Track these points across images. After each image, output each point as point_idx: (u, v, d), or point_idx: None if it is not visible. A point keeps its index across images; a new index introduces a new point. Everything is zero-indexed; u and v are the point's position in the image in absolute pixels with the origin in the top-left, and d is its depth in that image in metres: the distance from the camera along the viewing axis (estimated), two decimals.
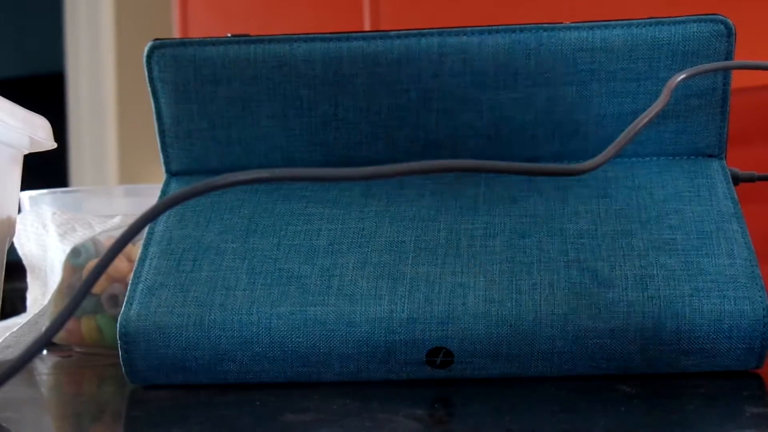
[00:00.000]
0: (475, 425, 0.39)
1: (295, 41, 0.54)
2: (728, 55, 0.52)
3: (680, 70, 0.52)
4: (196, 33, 1.83)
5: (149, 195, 0.67)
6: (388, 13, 1.73)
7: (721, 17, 0.52)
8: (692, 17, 0.52)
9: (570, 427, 0.38)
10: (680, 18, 0.52)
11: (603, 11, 1.50)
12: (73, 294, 0.42)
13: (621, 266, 0.48)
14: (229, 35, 0.55)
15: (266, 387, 0.48)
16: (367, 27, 1.74)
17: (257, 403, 0.44)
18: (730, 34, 0.52)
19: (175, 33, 1.82)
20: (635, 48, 0.52)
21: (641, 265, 0.48)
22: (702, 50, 0.52)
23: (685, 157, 0.54)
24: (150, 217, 0.42)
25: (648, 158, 0.54)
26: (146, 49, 0.54)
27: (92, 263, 0.64)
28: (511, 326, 0.47)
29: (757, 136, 0.85)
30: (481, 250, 0.50)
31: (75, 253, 0.64)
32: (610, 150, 0.47)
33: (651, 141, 0.54)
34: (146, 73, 0.55)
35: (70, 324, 0.64)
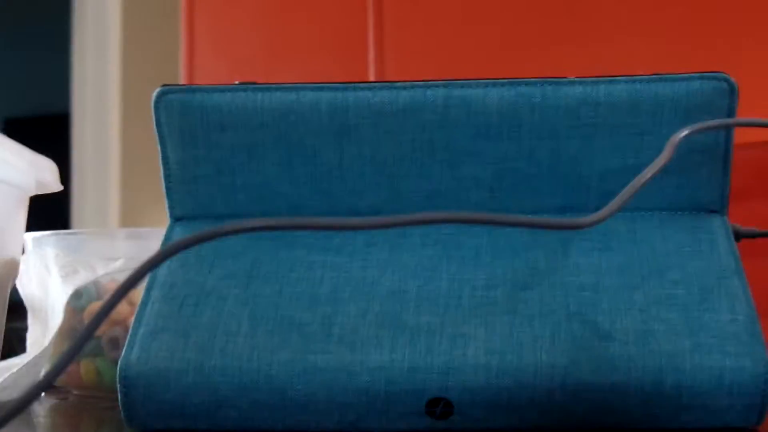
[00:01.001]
0: None
1: (302, 90, 0.54)
2: (731, 112, 0.53)
3: (683, 125, 0.53)
4: (202, 78, 1.85)
5: (151, 238, 0.67)
6: (392, 63, 1.74)
7: (723, 75, 0.53)
8: (695, 74, 0.53)
9: None
10: (684, 75, 0.53)
11: (607, 67, 1.52)
12: (75, 337, 0.42)
13: (622, 320, 0.48)
14: (236, 83, 0.55)
15: None
16: (371, 76, 1.76)
17: None
18: (732, 91, 0.53)
19: (182, 78, 1.83)
20: (639, 103, 0.53)
21: (642, 320, 0.48)
22: (705, 107, 0.53)
23: (687, 212, 0.54)
24: (154, 263, 0.42)
25: (650, 212, 0.54)
26: (154, 94, 0.55)
27: (94, 306, 0.64)
28: (511, 378, 0.47)
29: (758, 192, 0.86)
30: (483, 301, 0.50)
31: (77, 295, 0.64)
32: (613, 204, 0.48)
33: (653, 195, 0.54)
34: (154, 118, 0.55)
35: (69, 366, 0.64)
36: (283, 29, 1.84)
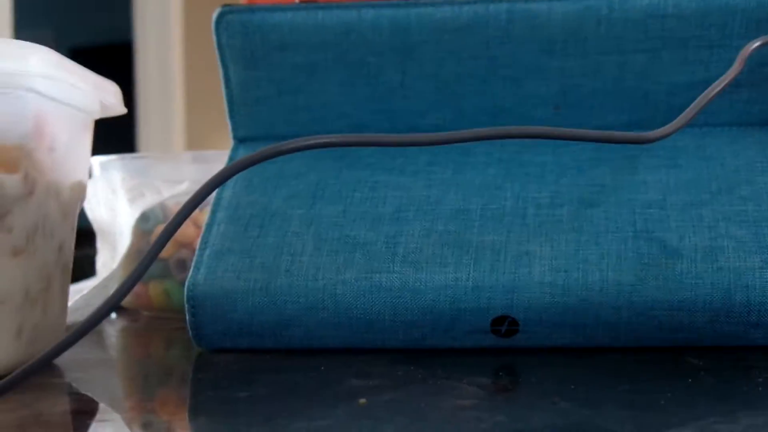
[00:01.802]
0: (539, 394, 0.38)
1: (363, 8, 0.54)
2: None
3: (754, 37, 0.51)
4: None
5: (216, 161, 0.68)
6: None
7: None
8: None
9: (636, 397, 0.37)
10: None
11: None
12: (142, 258, 0.43)
13: (690, 237, 0.48)
14: (296, 1, 0.55)
15: (331, 352, 0.48)
16: None
17: (322, 368, 0.45)
18: None
19: None
20: (708, 15, 0.51)
21: (711, 237, 0.47)
22: None
23: (758, 127, 0.53)
24: (218, 182, 0.42)
25: (719, 128, 0.53)
26: (215, 15, 0.55)
27: (161, 228, 0.65)
28: (577, 296, 0.47)
29: None
30: (548, 219, 0.49)
31: (144, 218, 0.65)
32: (680, 119, 0.47)
33: (723, 110, 0.53)
34: (215, 40, 0.55)
35: (138, 288, 0.65)
36: None
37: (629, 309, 0.46)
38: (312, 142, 0.40)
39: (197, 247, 0.51)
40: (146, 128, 3.04)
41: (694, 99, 0.52)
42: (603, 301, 0.46)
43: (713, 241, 0.47)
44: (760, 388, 0.39)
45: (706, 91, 0.48)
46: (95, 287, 0.61)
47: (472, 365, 0.45)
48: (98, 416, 0.38)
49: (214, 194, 0.54)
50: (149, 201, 0.65)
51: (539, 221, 0.49)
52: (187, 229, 0.64)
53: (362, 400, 0.37)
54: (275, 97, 0.56)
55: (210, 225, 0.52)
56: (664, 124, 0.53)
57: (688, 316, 0.46)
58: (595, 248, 0.48)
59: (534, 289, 0.47)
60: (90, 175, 0.69)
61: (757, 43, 0.50)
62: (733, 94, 0.53)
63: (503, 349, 0.48)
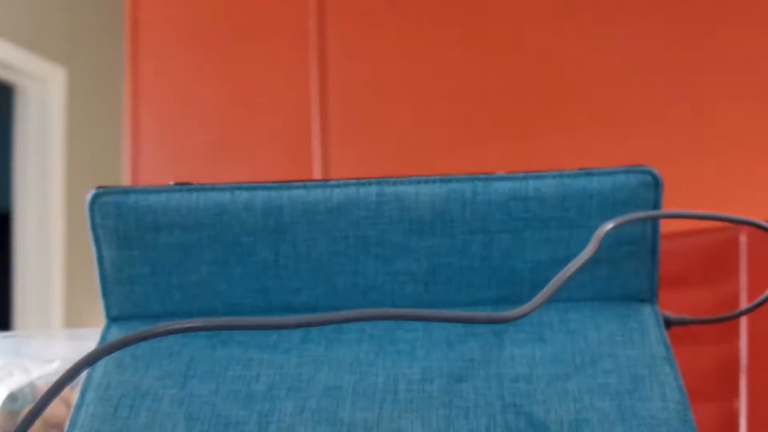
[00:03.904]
0: None
1: (237, 189, 0.55)
2: (656, 204, 0.54)
3: (611, 218, 0.54)
4: (147, 175, 1.85)
5: (91, 339, 0.67)
6: (337, 159, 1.76)
7: (648, 169, 0.54)
8: (621, 168, 0.54)
9: None
10: (609, 169, 0.54)
11: (535, 162, 1.55)
12: None
13: (556, 410, 0.49)
14: (171, 183, 0.56)
15: None
16: (317, 172, 1.77)
17: None
18: (657, 184, 0.54)
19: (126, 175, 1.84)
20: (567, 197, 0.54)
21: (576, 409, 0.49)
22: (630, 200, 0.54)
23: (618, 302, 0.55)
24: (86, 364, 0.42)
25: (582, 302, 0.55)
26: (89, 197, 0.55)
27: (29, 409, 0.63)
28: None
29: (688, 279, 0.88)
30: (419, 395, 0.50)
31: (11, 398, 0.63)
32: (539, 298, 0.49)
33: (584, 286, 0.55)
34: (88, 220, 0.56)
35: None
36: (230, 125, 1.85)
37: None
38: (181, 326, 0.41)
39: (66, 429, 0.50)
40: (23, 303, 2.97)
41: (557, 275, 0.55)
42: None
43: (579, 413, 0.49)
44: None
45: (563, 271, 0.50)
46: None
47: None
48: None
49: (84, 373, 0.54)
50: (18, 381, 0.63)
51: (410, 397, 0.50)
52: (57, 410, 0.63)
53: None
54: (149, 276, 0.56)
55: (79, 406, 0.51)
56: (530, 298, 0.55)
57: None
58: (464, 423, 0.48)
59: None
60: None
61: (610, 225, 0.52)
62: (594, 270, 0.55)
63: None
